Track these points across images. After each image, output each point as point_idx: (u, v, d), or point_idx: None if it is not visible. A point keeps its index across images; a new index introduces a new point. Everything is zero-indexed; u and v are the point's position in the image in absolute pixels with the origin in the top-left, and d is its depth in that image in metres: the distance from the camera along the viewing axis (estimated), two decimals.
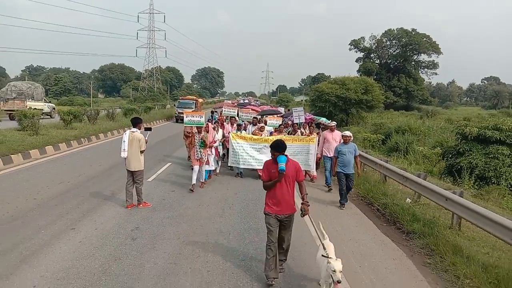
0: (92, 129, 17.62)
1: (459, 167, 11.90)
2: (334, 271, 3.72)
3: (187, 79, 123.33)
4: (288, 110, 24.62)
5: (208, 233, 5.93)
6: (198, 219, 6.61)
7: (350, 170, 7.77)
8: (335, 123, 10.22)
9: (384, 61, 61.00)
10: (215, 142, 9.43)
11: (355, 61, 62.85)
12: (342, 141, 8.16)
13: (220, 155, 10.72)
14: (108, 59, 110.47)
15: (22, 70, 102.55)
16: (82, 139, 15.17)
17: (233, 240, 5.69)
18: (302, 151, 9.85)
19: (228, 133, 10.42)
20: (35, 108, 22.76)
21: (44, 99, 28.42)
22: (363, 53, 61.76)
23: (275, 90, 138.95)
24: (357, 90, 29.02)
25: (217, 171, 10.30)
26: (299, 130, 11.44)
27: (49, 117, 24.85)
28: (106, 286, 4.16)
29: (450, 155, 12.98)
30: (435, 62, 59.73)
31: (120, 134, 18.21)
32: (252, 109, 16.85)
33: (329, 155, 9.21)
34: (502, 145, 11.63)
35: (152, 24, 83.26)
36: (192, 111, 17.14)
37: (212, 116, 14.73)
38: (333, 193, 8.89)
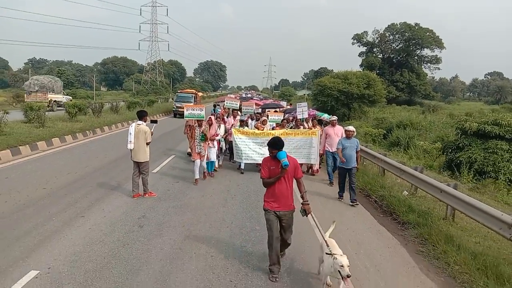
0: (96, 122, 17.89)
1: (458, 161, 12.04)
2: (342, 266, 3.74)
3: (190, 73, 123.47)
4: (291, 104, 24.61)
5: (212, 222, 6.20)
6: (202, 208, 6.88)
7: (350, 165, 7.72)
8: (336, 117, 10.22)
9: (387, 55, 60.82)
10: (217, 135, 9.50)
11: (358, 55, 62.75)
12: (344, 135, 8.22)
13: (223, 150, 10.86)
14: (111, 52, 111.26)
15: (24, 63, 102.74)
16: (87, 131, 15.43)
17: (235, 228, 5.96)
18: (305, 144, 9.91)
19: (231, 127, 10.57)
20: (55, 101, 26.22)
21: (63, 92, 31.21)
22: (366, 48, 61.58)
23: (277, 84, 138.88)
24: (359, 85, 29.05)
25: (217, 165, 10.13)
26: (301, 126, 11.37)
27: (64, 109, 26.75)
28: (116, 269, 4.44)
29: (450, 150, 13.12)
30: (438, 57, 59.54)
31: (124, 127, 18.52)
32: (255, 103, 16.82)
33: (331, 150, 9.28)
34: (502, 140, 11.77)
35: (155, 17, 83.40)
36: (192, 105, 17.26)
37: (214, 110, 14.86)
38: (334, 187, 9.07)
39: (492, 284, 4.37)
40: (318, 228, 4.76)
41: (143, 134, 7.14)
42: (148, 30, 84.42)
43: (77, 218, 6.00)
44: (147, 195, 7.33)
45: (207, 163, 9.16)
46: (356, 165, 7.81)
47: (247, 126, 11.14)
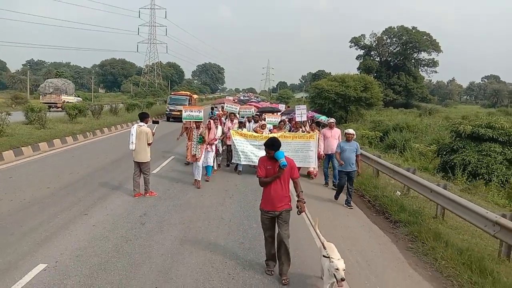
0: (96, 123, 18.12)
1: (452, 163, 12.25)
2: (337, 269, 3.78)
3: (188, 75, 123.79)
4: (289, 107, 24.80)
5: (210, 219, 6.45)
6: (201, 207, 7.13)
7: (349, 168, 7.67)
8: (334, 120, 10.37)
9: (384, 58, 61.26)
10: (216, 140, 9.54)
11: (356, 58, 63.18)
12: (341, 138, 8.31)
13: (220, 152, 11.01)
14: (109, 54, 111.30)
15: (23, 64, 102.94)
16: (87, 133, 15.67)
17: (233, 226, 6.21)
18: (303, 148, 9.94)
19: (228, 130, 10.74)
20: (67, 102, 27.13)
21: (74, 94, 33.74)
22: (364, 51, 61.98)
23: (275, 86, 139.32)
24: (356, 88, 29.36)
25: (215, 167, 10.18)
26: (300, 129, 11.15)
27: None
28: (120, 263, 4.68)
29: (445, 152, 13.33)
30: (435, 60, 60.07)
31: (124, 129, 18.78)
32: (254, 106, 16.88)
33: (327, 152, 9.44)
34: (495, 142, 12.03)
35: (153, 19, 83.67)
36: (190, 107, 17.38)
37: (212, 112, 15.01)
38: (329, 188, 9.34)
39: (476, 277, 4.63)
40: (314, 229, 4.76)
41: (144, 135, 7.39)
42: (146, 32, 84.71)
43: (81, 216, 6.23)
44: (148, 194, 7.56)
45: (204, 167, 9.13)
46: (356, 169, 7.76)
47: (245, 128, 11.29)
